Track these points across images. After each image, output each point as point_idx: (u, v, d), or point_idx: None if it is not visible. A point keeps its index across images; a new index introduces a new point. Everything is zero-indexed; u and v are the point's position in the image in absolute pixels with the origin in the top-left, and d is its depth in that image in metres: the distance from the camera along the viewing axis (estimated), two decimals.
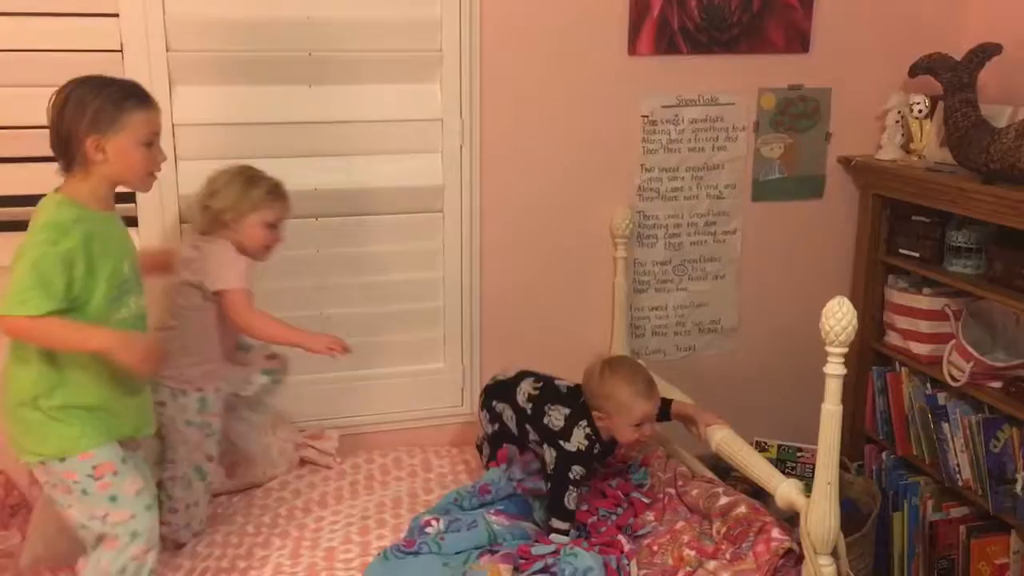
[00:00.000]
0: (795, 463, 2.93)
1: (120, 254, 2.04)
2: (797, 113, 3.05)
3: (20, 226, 2.18)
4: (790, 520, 2.22)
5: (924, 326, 2.87)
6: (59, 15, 2.42)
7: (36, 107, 2.46)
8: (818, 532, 2.03)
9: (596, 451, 2.42)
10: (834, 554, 2.07)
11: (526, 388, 2.51)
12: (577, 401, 2.43)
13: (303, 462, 2.72)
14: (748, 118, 3.01)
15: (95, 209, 2.01)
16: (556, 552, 2.22)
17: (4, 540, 2.37)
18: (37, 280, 1.86)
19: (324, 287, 2.77)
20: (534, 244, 2.90)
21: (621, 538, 2.32)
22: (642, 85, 2.88)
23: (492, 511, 2.38)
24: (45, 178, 2.46)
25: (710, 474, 2.56)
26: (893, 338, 3.01)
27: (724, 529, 2.24)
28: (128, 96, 2.00)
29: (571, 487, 2.35)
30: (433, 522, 2.29)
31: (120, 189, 2.53)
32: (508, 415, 2.52)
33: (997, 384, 2.63)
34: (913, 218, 2.91)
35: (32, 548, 2.27)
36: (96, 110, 1.95)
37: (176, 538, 2.33)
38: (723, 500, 2.34)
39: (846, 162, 3.09)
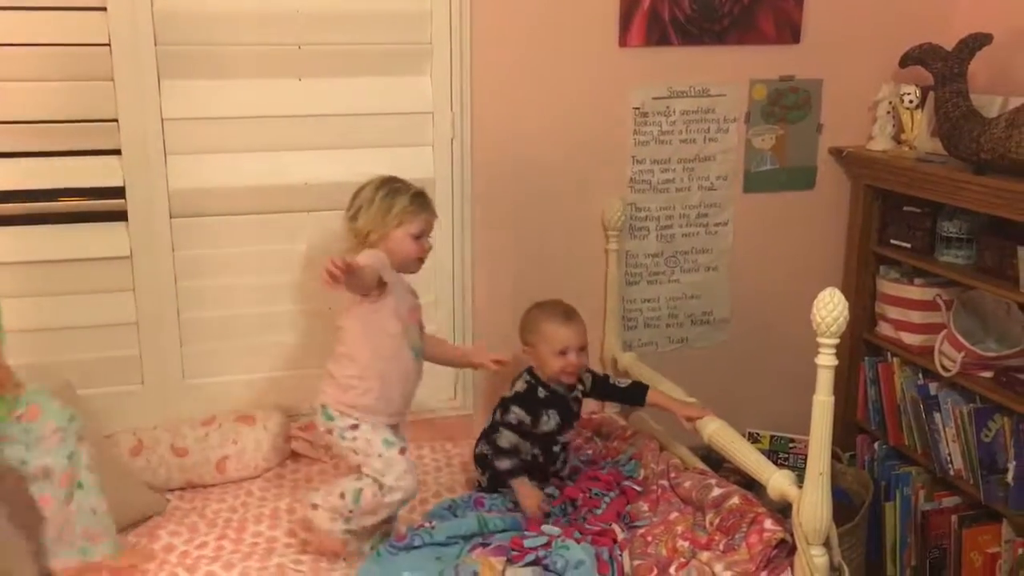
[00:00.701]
0: (787, 454, 2.95)
1: None
2: (788, 104, 3.05)
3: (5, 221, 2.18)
4: (783, 511, 2.22)
5: (916, 316, 2.88)
6: (46, 9, 2.40)
7: (23, 101, 2.47)
8: (810, 522, 2.04)
9: (541, 395, 2.48)
10: (826, 544, 2.07)
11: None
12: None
13: (295, 454, 2.72)
14: (739, 109, 3.01)
15: None
16: (548, 544, 2.22)
17: None
18: None
19: (317, 281, 2.75)
20: (526, 237, 2.90)
21: (616, 527, 2.32)
22: (633, 77, 2.87)
23: (484, 510, 2.39)
24: (30, 172, 2.48)
25: (703, 466, 2.57)
26: (885, 328, 3.02)
27: (717, 520, 2.25)
28: None
29: (503, 428, 2.45)
30: (426, 525, 2.29)
31: (108, 183, 2.53)
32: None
33: (988, 374, 2.64)
34: (904, 208, 2.91)
35: None
36: None
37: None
38: (716, 491, 2.34)
39: (837, 153, 3.09)
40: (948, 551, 2.78)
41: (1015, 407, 2.51)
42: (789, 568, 2.13)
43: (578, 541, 2.22)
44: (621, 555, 2.24)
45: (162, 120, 2.53)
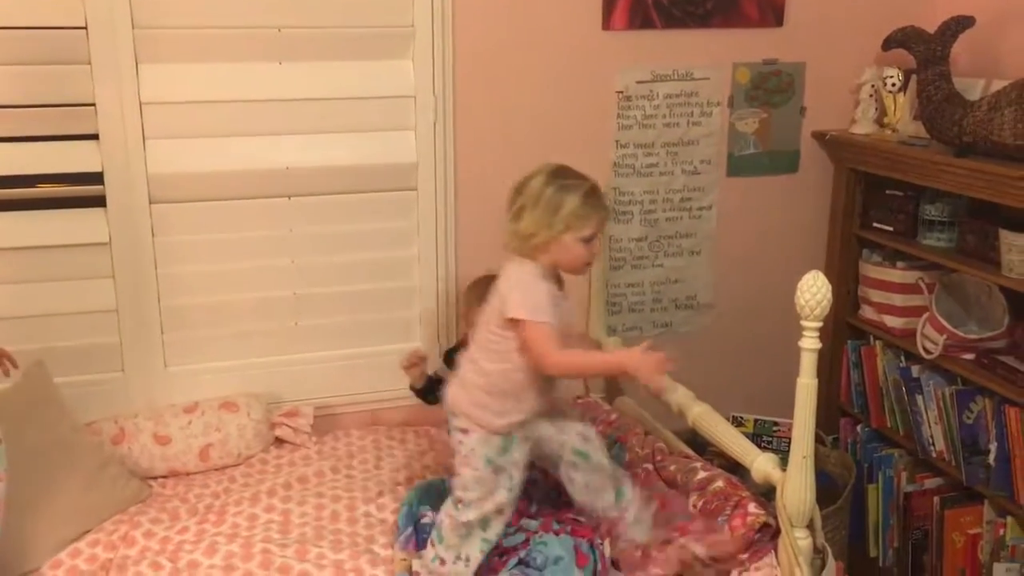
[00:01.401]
0: (771, 437, 2.95)
1: None
2: (772, 88, 3.04)
3: None
4: (767, 494, 2.23)
5: (898, 299, 2.89)
6: None
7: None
8: (794, 505, 2.04)
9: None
10: (810, 527, 2.08)
11: None
12: None
13: (278, 440, 2.71)
14: (723, 93, 3.00)
15: None
16: (527, 541, 2.21)
17: None
18: None
19: (298, 267, 2.74)
20: None
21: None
22: (616, 60, 2.86)
23: None
24: (5, 157, 2.45)
25: (687, 449, 2.57)
26: (867, 312, 3.03)
27: (701, 503, 2.25)
28: None
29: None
30: (429, 514, 2.27)
31: (86, 168, 2.51)
32: None
33: (970, 356, 2.65)
34: (887, 192, 2.92)
35: None
36: None
37: None
38: (701, 475, 2.34)
39: (821, 136, 3.09)
40: (930, 532, 2.80)
41: (997, 389, 2.52)
42: (772, 551, 2.14)
43: (557, 533, 2.21)
44: (602, 544, 2.24)
45: (140, 104, 2.50)
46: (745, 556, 2.10)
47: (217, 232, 2.66)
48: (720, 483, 2.28)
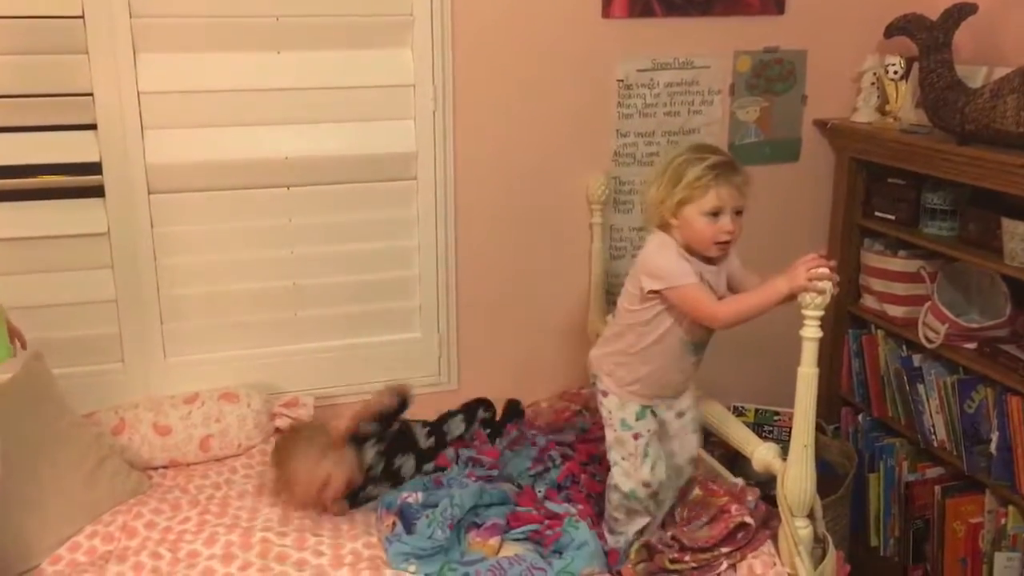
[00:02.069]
0: (772, 427, 2.95)
1: None
2: (773, 76, 3.03)
3: None
4: (767, 483, 2.23)
5: (899, 288, 2.88)
6: None
7: None
8: (795, 494, 2.04)
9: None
10: (811, 516, 2.08)
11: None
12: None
13: (279, 431, 2.70)
14: (724, 81, 2.99)
15: None
16: (560, 519, 2.23)
17: None
18: None
19: (297, 257, 2.73)
20: (509, 211, 2.87)
21: None
22: (617, 49, 2.85)
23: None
24: (3, 147, 2.44)
25: None
26: (869, 301, 3.02)
27: (684, 512, 2.26)
28: None
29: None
30: (412, 496, 2.29)
31: (84, 159, 2.50)
32: None
33: (972, 345, 2.64)
34: (889, 180, 2.91)
35: None
36: None
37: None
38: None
39: (822, 125, 3.08)
40: (931, 521, 2.80)
41: (998, 378, 2.51)
42: (771, 539, 2.14)
43: (590, 527, 2.22)
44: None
45: (138, 94, 2.49)
46: (727, 550, 2.10)
47: (216, 222, 2.65)
48: (697, 491, 2.28)
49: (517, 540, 2.22)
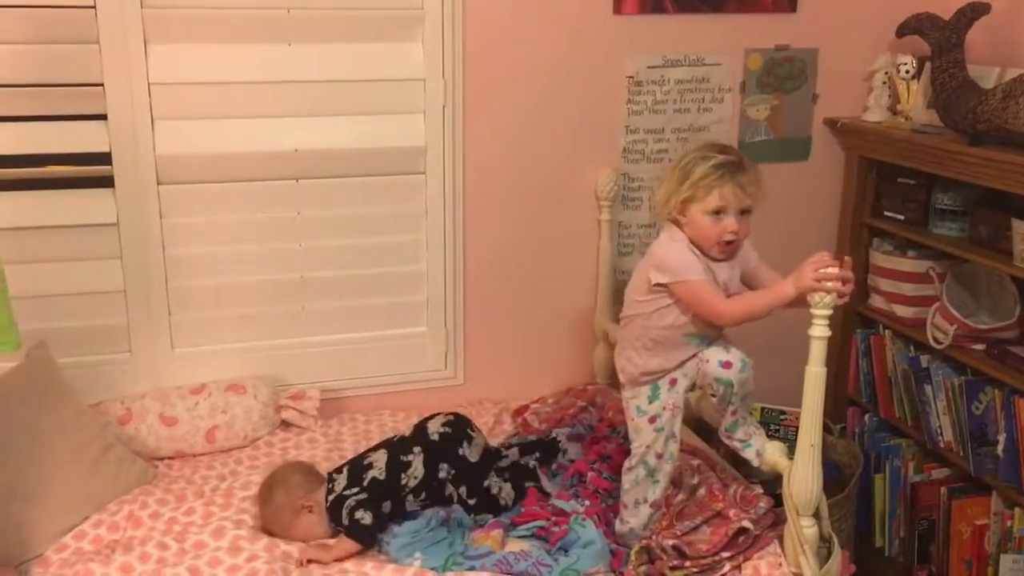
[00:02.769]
0: (778, 426, 2.94)
1: None
2: (784, 74, 3.02)
3: None
4: (773, 482, 2.22)
5: (908, 289, 2.87)
6: None
7: (5, 65, 2.43)
8: (800, 494, 2.03)
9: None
10: (816, 515, 2.07)
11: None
12: None
13: (284, 423, 2.71)
14: (734, 79, 2.98)
15: None
16: (567, 516, 2.23)
17: None
18: None
19: (305, 249, 2.74)
20: (518, 206, 2.87)
21: None
22: (627, 45, 2.84)
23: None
24: (13, 137, 2.44)
25: (695, 438, 2.56)
26: (877, 301, 3.01)
27: (682, 507, 2.25)
28: None
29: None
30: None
31: (94, 149, 2.51)
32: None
33: (980, 346, 2.63)
34: (899, 180, 2.90)
35: None
36: None
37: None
38: (694, 479, 2.33)
39: (832, 124, 3.07)
40: (937, 523, 2.79)
41: (1006, 379, 2.50)
42: (776, 540, 2.13)
43: (597, 526, 2.22)
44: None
45: (149, 85, 2.49)
46: (727, 555, 2.10)
47: (225, 214, 2.65)
48: (702, 491, 2.27)
49: (523, 536, 2.22)
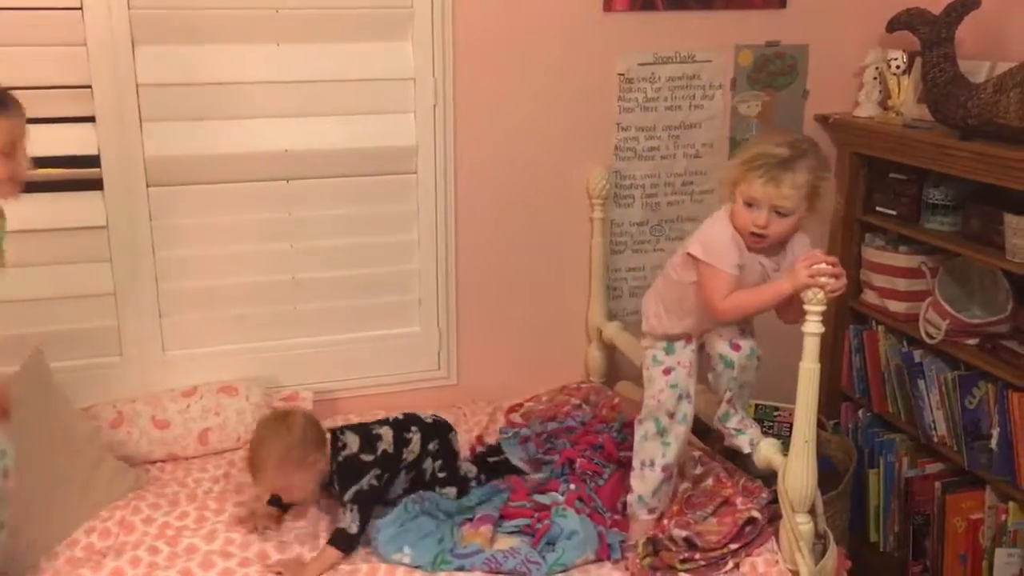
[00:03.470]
0: (772, 422, 2.94)
1: None
2: (774, 70, 3.02)
3: None
4: (768, 479, 2.22)
5: (901, 284, 2.87)
6: None
7: None
8: (796, 490, 2.04)
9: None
10: (811, 512, 2.07)
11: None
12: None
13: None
14: (725, 75, 2.98)
15: None
16: (547, 510, 2.22)
17: None
18: None
19: (296, 250, 2.72)
20: (510, 205, 2.86)
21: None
22: (618, 42, 2.83)
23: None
24: None
25: (692, 438, 2.55)
26: (870, 296, 3.01)
27: (687, 496, 2.26)
28: None
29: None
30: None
31: (83, 151, 2.48)
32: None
33: (973, 341, 2.63)
34: (890, 175, 2.90)
35: None
36: None
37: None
38: (698, 469, 2.36)
39: (823, 120, 3.07)
40: (931, 517, 2.79)
41: (999, 374, 2.51)
42: (773, 537, 2.13)
43: (579, 511, 2.21)
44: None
45: (137, 86, 2.47)
46: (735, 547, 2.10)
47: (215, 215, 2.64)
48: (709, 481, 2.28)
49: (511, 533, 2.22)
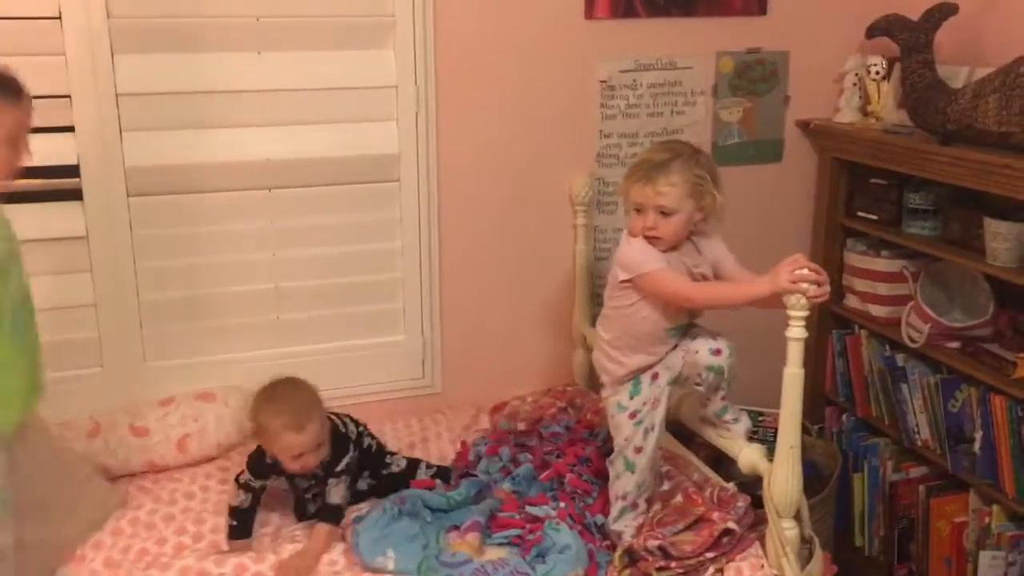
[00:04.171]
0: (757, 427, 2.94)
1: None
2: (755, 76, 3.03)
3: None
4: (753, 484, 2.22)
5: (883, 288, 2.88)
6: None
7: None
8: (781, 496, 2.04)
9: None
10: (797, 517, 2.07)
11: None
12: None
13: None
14: (706, 82, 2.99)
15: None
16: (540, 523, 2.21)
17: None
18: None
19: (279, 260, 2.71)
20: (493, 212, 2.86)
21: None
22: (599, 49, 2.84)
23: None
24: None
25: (674, 446, 2.55)
26: (852, 301, 3.02)
27: (660, 515, 2.24)
28: None
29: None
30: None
31: (62, 161, 2.45)
32: None
33: (955, 345, 2.65)
34: (871, 180, 2.91)
35: None
36: None
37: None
38: (665, 486, 2.34)
39: (804, 125, 3.09)
40: (916, 521, 2.80)
41: (982, 377, 2.52)
42: (758, 542, 2.13)
43: (571, 527, 2.21)
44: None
45: (116, 96, 2.46)
46: (712, 555, 2.10)
47: (196, 225, 2.62)
48: (679, 498, 2.27)
49: (500, 544, 2.21)
